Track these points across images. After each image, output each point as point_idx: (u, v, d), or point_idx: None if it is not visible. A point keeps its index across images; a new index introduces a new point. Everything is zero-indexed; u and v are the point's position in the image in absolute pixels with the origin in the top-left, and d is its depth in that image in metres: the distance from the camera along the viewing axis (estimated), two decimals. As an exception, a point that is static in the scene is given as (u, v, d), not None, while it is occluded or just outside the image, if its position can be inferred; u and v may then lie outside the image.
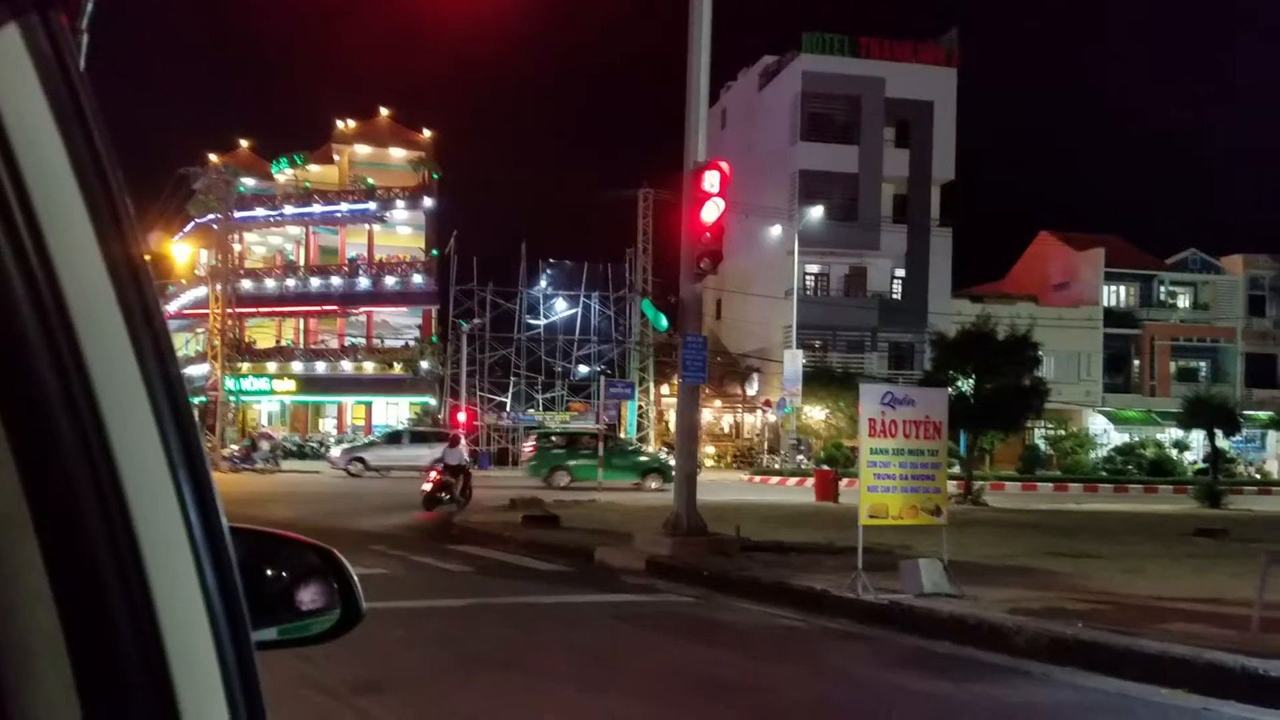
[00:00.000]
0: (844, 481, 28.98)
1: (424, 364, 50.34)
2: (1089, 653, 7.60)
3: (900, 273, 50.18)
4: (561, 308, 53.85)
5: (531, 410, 52.76)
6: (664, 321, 18.81)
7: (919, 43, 50.39)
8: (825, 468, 31.96)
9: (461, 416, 38.83)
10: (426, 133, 53.71)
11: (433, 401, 49.84)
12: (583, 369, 53.56)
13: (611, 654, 8.20)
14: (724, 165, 13.49)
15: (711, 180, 13.19)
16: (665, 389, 51.74)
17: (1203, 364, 53.11)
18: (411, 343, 51.95)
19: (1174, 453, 44.73)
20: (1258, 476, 44.28)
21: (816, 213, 44.77)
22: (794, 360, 41.19)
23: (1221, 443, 34.07)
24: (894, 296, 49.98)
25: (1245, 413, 38.66)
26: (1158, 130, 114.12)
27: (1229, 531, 18.25)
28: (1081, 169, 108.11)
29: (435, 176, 52.08)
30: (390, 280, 51.36)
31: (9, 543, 0.73)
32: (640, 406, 48.55)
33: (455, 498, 21.54)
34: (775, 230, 46.06)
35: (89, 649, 0.73)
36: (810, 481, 31.56)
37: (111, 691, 0.74)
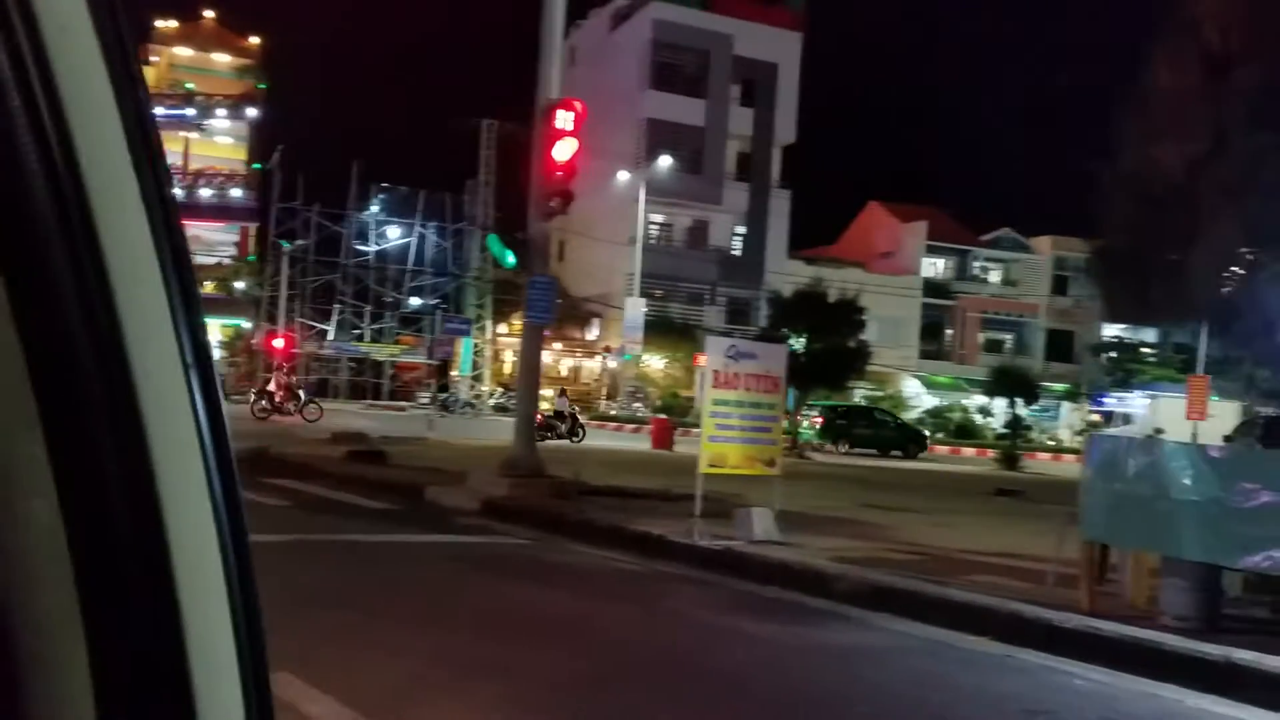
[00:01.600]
0: (678, 431, 29.54)
1: (240, 284, 47.89)
2: (904, 600, 8.03)
3: (741, 230, 51.14)
4: (395, 235, 52.21)
5: (357, 340, 51.21)
6: (511, 258, 18.46)
7: (768, 4, 51.03)
8: (662, 417, 32.50)
9: (278, 343, 37.18)
10: (255, 40, 50.83)
11: (247, 325, 47.55)
12: (415, 301, 52.28)
13: (444, 593, 8.10)
14: (578, 104, 13.31)
15: (565, 118, 12.99)
16: (504, 328, 51.14)
17: (1008, 337, 56.65)
18: (227, 260, 49.28)
19: (979, 418, 47.66)
20: (1051, 443, 47.76)
21: (665, 162, 44.97)
22: (636, 308, 41.47)
23: (1021, 411, 36.49)
24: (734, 253, 50.94)
25: (1044, 384, 41.45)
26: (988, 110, 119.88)
27: (1025, 492, 19.64)
28: (913, 142, 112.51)
29: (262, 86, 49.43)
30: (206, 192, 48.47)
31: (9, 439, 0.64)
32: (476, 344, 47.87)
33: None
34: (622, 176, 46.04)
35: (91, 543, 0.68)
36: (647, 429, 32.01)
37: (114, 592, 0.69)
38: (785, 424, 28.21)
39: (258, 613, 0.75)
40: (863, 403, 45.82)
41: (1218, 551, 6.86)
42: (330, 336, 50.61)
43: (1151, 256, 15.86)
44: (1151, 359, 48.24)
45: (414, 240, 52.13)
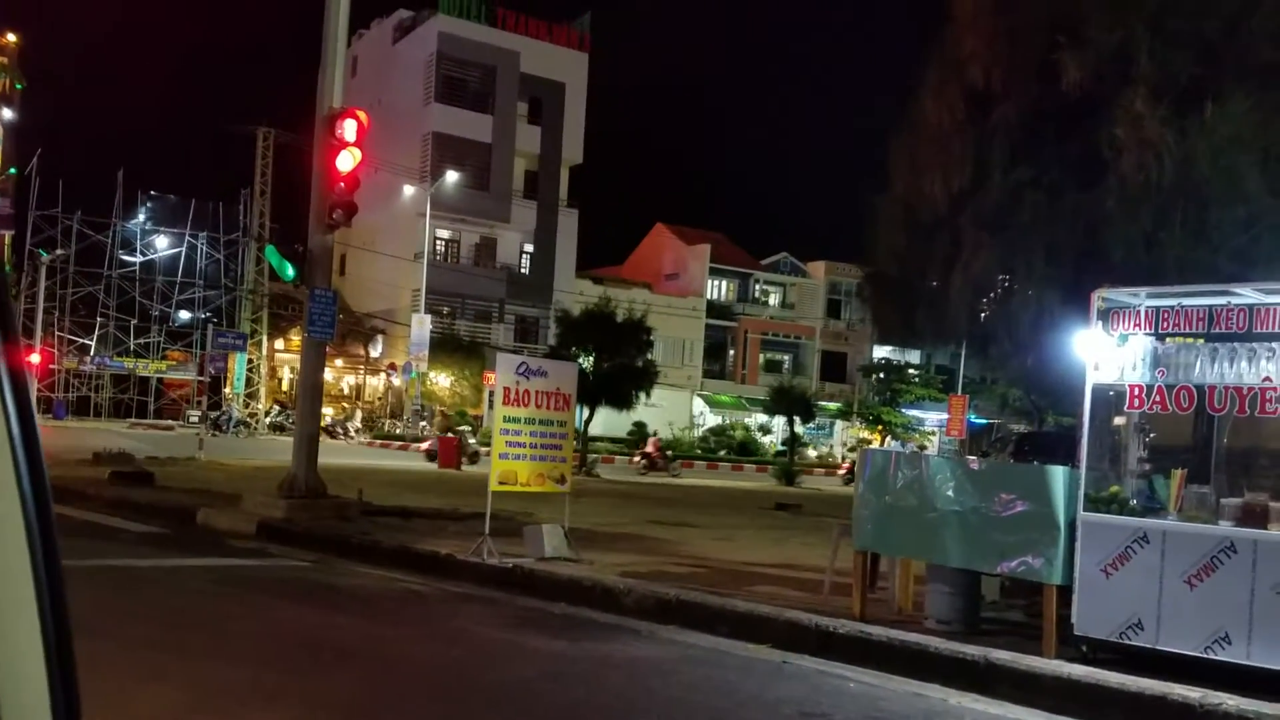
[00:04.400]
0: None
1: (-11, 297, 43.83)
2: (688, 612, 8.18)
3: (529, 248, 51.14)
4: (163, 245, 49.24)
5: (121, 356, 47.88)
6: (289, 271, 17.70)
7: (554, 23, 51.57)
8: (449, 435, 31.89)
9: (34, 358, 34.03)
10: (11, 37, 46.67)
11: (-4, 339, 43.52)
12: (185, 314, 49.44)
13: (215, 619, 7.59)
14: (362, 114, 12.96)
15: (348, 128, 12.62)
16: (280, 343, 49.01)
17: (786, 357, 59.31)
18: (-24, 271, 45.07)
19: (759, 435, 49.51)
20: (814, 457, 50.26)
21: (452, 177, 44.38)
22: (421, 325, 40.62)
23: (799, 428, 38.19)
24: (522, 270, 50.86)
25: (819, 403, 43.58)
26: (770, 137, 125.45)
27: (802, 507, 20.52)
28: (697, 166, 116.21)
29: (19, 87, 45.40)
30: (-46, 199, 44.02)
31: None
32: (251, 360, 45.54)
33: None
34: (407, 190, 45.12)
35: None
36: (433, 448, 31.33)
37: None
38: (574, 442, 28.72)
39: (69, 641, 0.74)
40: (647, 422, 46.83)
41: (977, 559, 7.34)
42: (92, 351, 47.02)
43: (916, 283, 16.94)
44: (916, 379, 51.63)
45: (184, 251, 49.25)
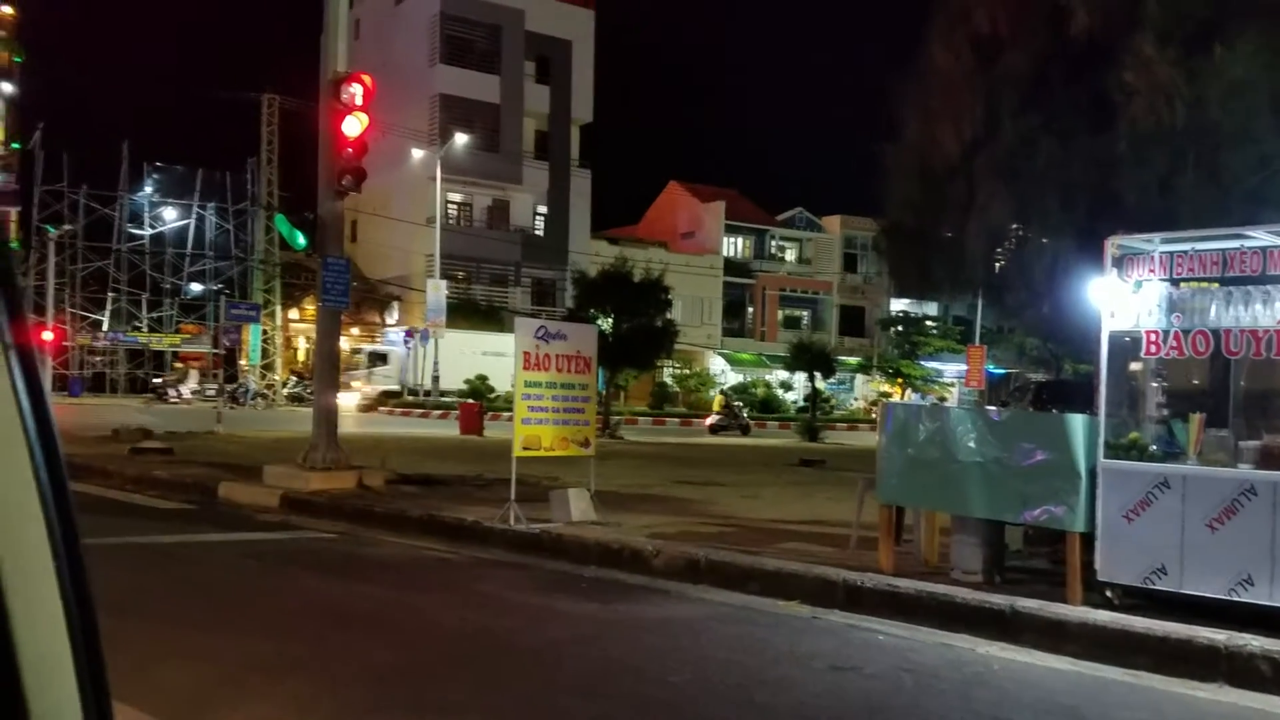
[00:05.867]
0: (488, 415, 29.23)
1: None
2: (718, 571, 8.24)
3: (542, 209, 50.97)
4: (171, 217, 49.25)
5: (134, 331, 48.12)
6: (300, 239, 17.70)
7: (559, -20, 51.03)
8: (470, 401, 32.02)
9: (47, 335, 34.22)
10: (7, 9, 46.48)
11: (9, 317, 43.86)
12: (196, 286, 49.58)
13: (242, 593, 7.70)
14: (367, 78, 12.90)
15: (354, 93, 12.56)
16: (295, 313, 49.12)
17: (805, 313, 59.13)
18: (-16, 249, 45.32)
19: (780, 392, 49.50)
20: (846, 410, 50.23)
21: (461, 139, 44.18)
22: (437, 290, 40.61)
23: (820, 384, 38.16)
24: (537, 233, 50.73)
25: (839, 358, 43.50)
26: (782, 90, 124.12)
27: (826, 462, 20.58)
28: (709, 122, 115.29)
29: (18, 60, 45.28)
30: (-44, 176, 44.14)
31: None
32: (265, 331, 45.74)
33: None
34: (416, 154, 44.92)
35: None
36: (454, 414, 31.51)
37: None
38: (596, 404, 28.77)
39: (95, 623, 0.72)
40: (669, 381, 46.81)
41: (1000, 509, 7.37)
42: (105, 327, 47.25)
43: (931, 234, 16.88)
44: (934, 331, 51.43)
45: (193, 222, 49.27)
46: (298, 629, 6.51)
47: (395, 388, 41.96)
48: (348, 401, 38.02)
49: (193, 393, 41.96)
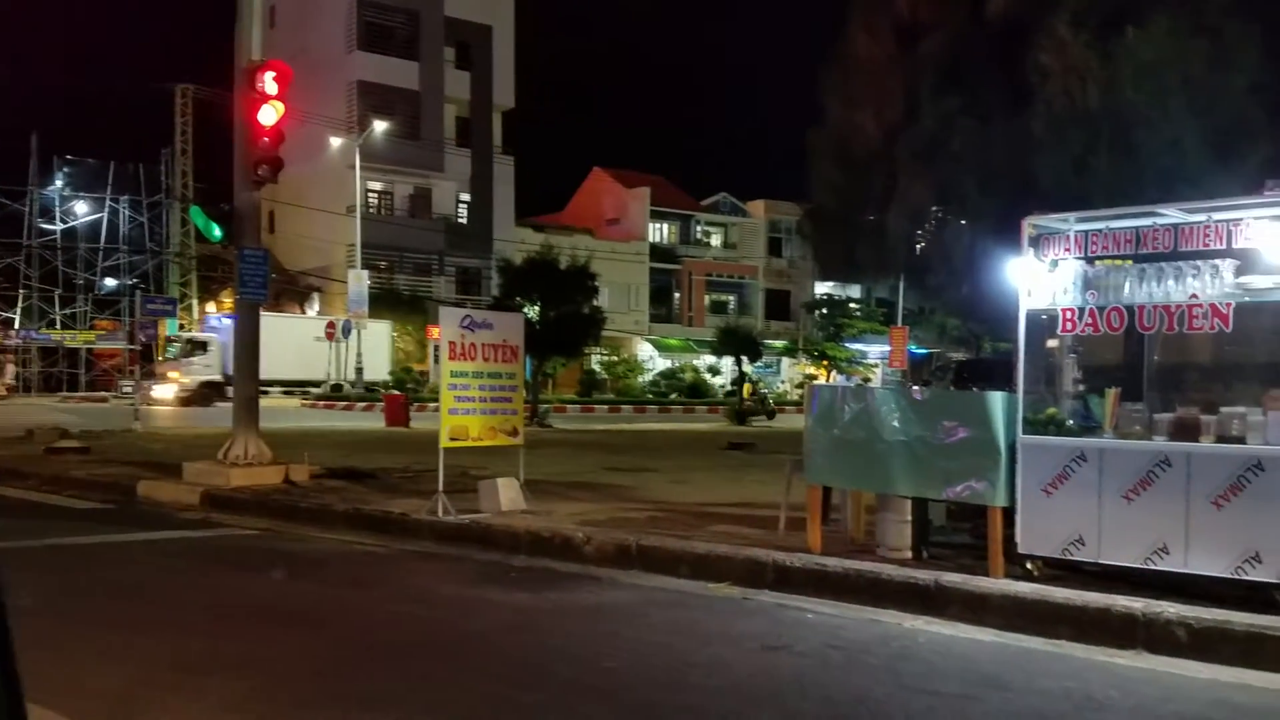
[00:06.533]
0: (414, 406, 28.90)
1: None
2: (649, 556, 8.26)
3: (466, 197, 50.48)
4: (83, 211, 47.85)
5: (48, 328, 46.65)
6: (217, 231, 17.28)
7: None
8: (395, 392, 31.59)
9: None
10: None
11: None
12: (111, 282, 48.24)
13: (167, 593, 7.50)
14: (283, 66, 12.65)
15: (269, 81, 12.31)
16: (212, 307, 48.06)
17: (731, 298, 59.58)
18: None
19: (708, 377, 49.82)
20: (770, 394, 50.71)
21: (380, 127, 43.48)
22: (359, 281, 39.98)
23: (747, 368, 38.51)
24: (460, 220, 50.22)
25: (765, 341, 43.95)
26: (703, 76, 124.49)
27: (755, 445, 20.77)
28: (635, 108, 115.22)
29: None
30: None
31: None
32: (182, 325, 44.61)
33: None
34: (335, 142, 44.10)
35: None
36: (379, 406, 31.10)
37: None
38: (524, 392, 28.66)
39: (5, 624, 0.65)
40: (597, 369, 46.71)
41: (924, 486, 7.50)
42: (16, 324, 45.68)
43: (854, 217, 17.11)
44: (858, 313, 52.21)
45: (106, 216, 47.85)
46: (226, 628, 6.36)
47: (217, 378, 37.54)
48: (164, 394, 36.58)
49: (9, 388, 40.43)
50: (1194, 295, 6.44)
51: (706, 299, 58.46)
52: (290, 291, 46.99)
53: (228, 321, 24.50)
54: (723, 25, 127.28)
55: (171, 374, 38.27)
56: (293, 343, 38.16)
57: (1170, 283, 6.55)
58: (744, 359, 35.65)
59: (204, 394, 37.10)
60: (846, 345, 50.68)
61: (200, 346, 39.83)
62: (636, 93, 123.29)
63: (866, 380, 44.22)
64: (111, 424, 22.82)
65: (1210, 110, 20.19)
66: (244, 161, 12.51)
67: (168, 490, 12.27)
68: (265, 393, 34.95)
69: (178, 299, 41.89)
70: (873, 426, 7.67)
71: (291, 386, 39.02)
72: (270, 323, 36.15)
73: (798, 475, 8.71)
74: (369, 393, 37.82)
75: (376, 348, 40.44)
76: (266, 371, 35.49)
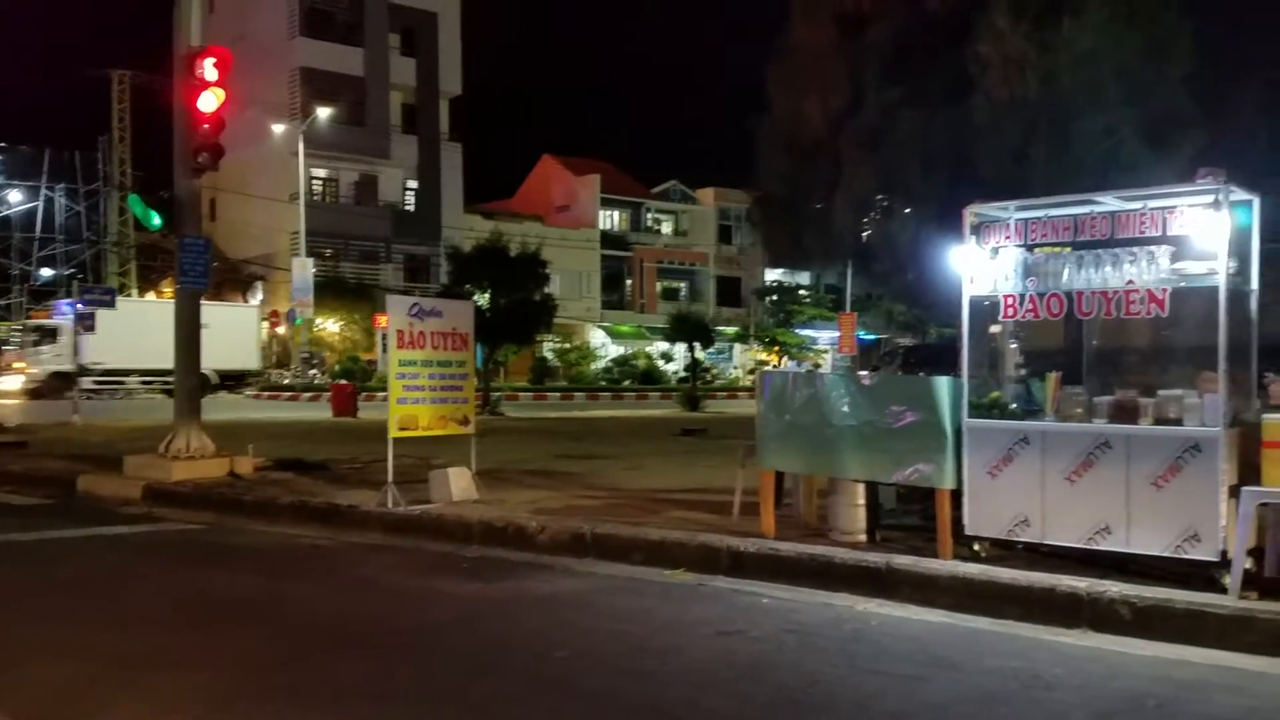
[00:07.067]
0: (362, 396, 28.61)
1: None
2: (603, 544, 8.26)
3: (413, 184, 49.95)
4: (17, 200, 46.66)
5: (-15, 321, 45.43)
6: (156, 220, 16.92)
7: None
8: (343, 382, 31.23)
9: None
10: None
11: None
12: (47, 271, 47.12)
13: (111, 589, 7.36)
14: (223, 52, 12.43)
15: (209, 67, 12.10)
16: (152, 296, 47.13)
17: (683, 285, 59.69)
18: None
19: (661, 363, 49.89)
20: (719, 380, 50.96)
21: (324, 113, 42.82)
22: (303, 269, 39.42)
23: (699, 354, 38.63)
24: (407, 208, 49.69)
25: (717, 328, 44.10)
26: (652, 63, 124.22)
27: (708, 430, 20.84)
28: (584, 95, 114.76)
29: None
30: None
31: None
32: (30, 314, 43.50)
33: None
34: (278, 129, 43.36)
35: None
36: (326, 397, 30.73)
37: None
38: (476, 380, 28.48)
39: None
40: (549, 356, 46.54)
41: (874, 470, 7.58)
42: (-49, 317, 44.46)
43: (802, 205, 17.22)
44: (808, 300, 52.59)
45: (41, 204, 46.68)
46: (170, 623, 6.26)
47: (67, 368, 32.77)
48: (10, 385, 34.65)
49: None
50: (1131, 281, 6.57)
51: (658, 286, 58.51)
52: (232, 280, 46.20)
53: (80, 308, 22.91)
54: (676, 12, 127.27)
55: (17, 364, 36.08)
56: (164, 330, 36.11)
57: (1108, 269, 6.68)
58: (696, 345, 35.72)
59: (54, 385, 33.90)
60: (797, 331, 51.05)
61: (49, 335, 36.96)
62: (587, 79, 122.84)
63: (817, 366, 44.62)
64: (50, 416, 22.33)
65: (1145, 100, 20.65)
66: (184, 149, 12.33)
67: (109, 485, 12.03)
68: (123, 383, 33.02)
69: (116, 289, 40.96)
70: (823, 412, 7.73)
71: (157, 376, 36.43)
72: (130, 307, 33.56)
73: (750, 460, 8.75)
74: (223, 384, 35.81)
75: (241, 335, 37.82)
76: (133, 361, 33.00)
